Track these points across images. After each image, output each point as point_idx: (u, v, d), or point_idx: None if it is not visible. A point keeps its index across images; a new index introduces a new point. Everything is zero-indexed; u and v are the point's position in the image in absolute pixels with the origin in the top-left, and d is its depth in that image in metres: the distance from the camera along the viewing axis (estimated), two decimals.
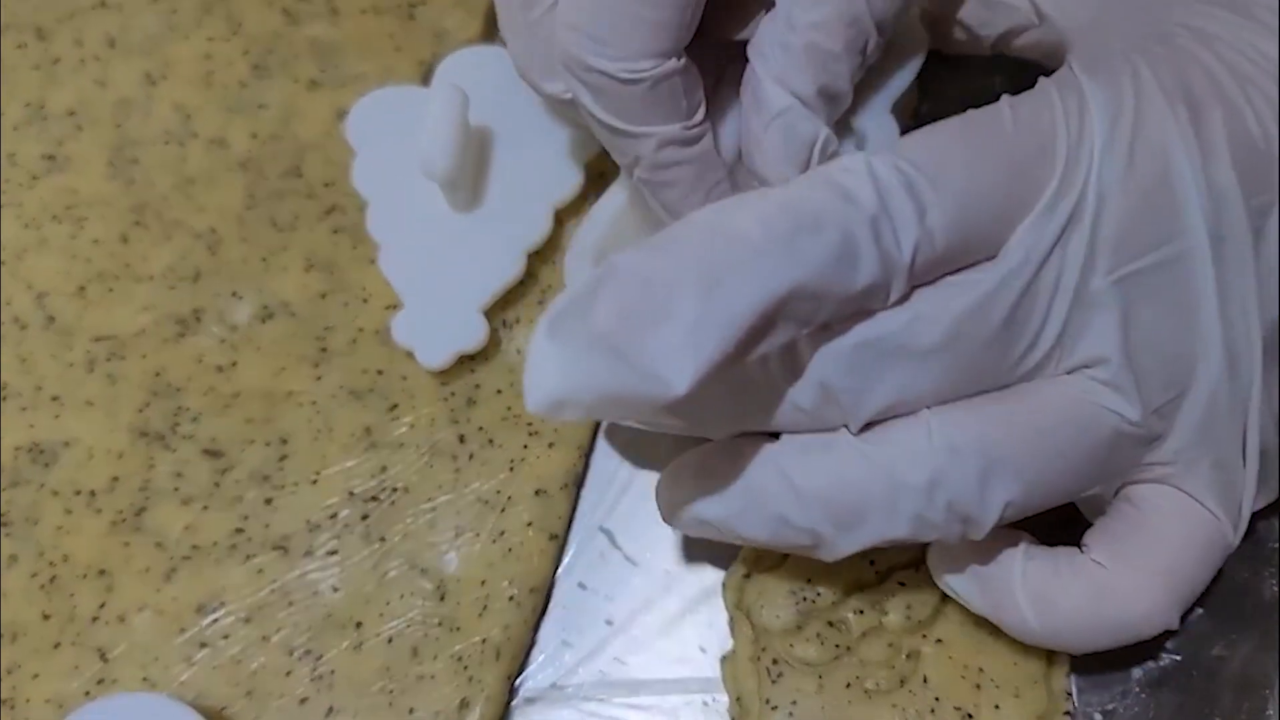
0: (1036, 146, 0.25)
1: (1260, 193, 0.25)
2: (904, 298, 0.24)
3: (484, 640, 0.30)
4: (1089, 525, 0.27)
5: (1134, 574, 0.26)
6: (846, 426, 0.25)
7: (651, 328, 0.22)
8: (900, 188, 0.24)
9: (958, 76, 0.34)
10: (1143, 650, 0.29)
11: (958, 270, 0.25)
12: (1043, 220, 0.24)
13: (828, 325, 0.24)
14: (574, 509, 0.32)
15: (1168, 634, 0.29)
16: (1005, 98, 0.26)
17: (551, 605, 0.31)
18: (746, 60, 0.28)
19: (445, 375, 0.33)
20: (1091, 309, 0.25)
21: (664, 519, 0.28)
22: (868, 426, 0.25)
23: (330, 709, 0.29)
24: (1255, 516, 0.30)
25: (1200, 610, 0.29)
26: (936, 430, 0.24)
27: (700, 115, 0.28)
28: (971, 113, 0.26)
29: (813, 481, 0.25)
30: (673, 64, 0.27)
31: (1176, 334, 0.25)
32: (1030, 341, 0.25)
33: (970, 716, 0.28)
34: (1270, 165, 0.25)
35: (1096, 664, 0.29)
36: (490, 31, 0.37)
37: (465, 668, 0.29)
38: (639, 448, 0.32)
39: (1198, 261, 0.25)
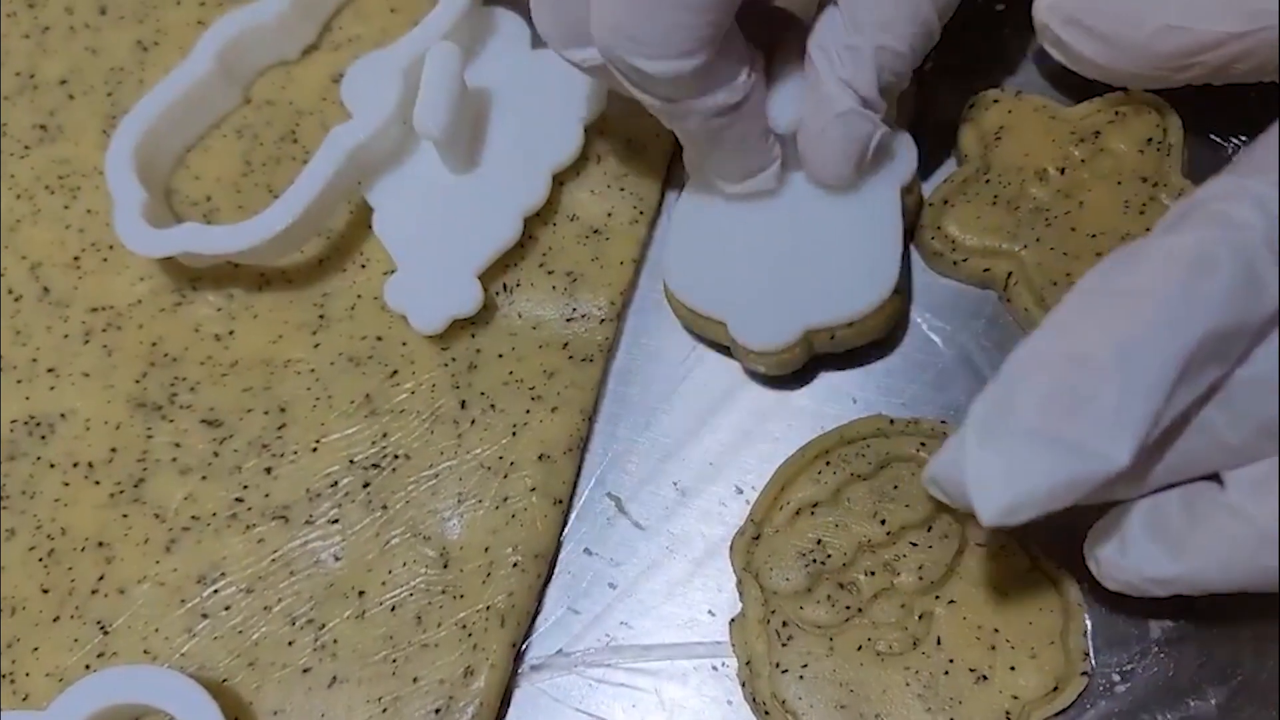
0: None
1: None
2: None
3: (488, 607, 0.29)
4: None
5: None
6: None
7: (1080, 408, 0.22)
8: None
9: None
10: (1160, 608, 0.28)
11: None
12: None
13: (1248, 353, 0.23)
14: (578, 473, 0.31)
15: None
16: None
17: (557, 571, 0.30)
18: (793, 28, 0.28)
19: (445, 341, 0.32)
20: None
21: (1104, 583, 0.26)
22: None
23: (334, 678, 0.29)
24: None
25: None
26: None
27: (744, 79, 0.28)
28: None
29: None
30: (712, 52, 0.26)
31: None
32: None
33: (985, 678, 0.27)
34: None
35: (1114, 623, 0.28)
36: None
37: (469, 635, 0.29)
38: (643, 411, 0.32)
39: None
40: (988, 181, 0.31)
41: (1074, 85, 0.31)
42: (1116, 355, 0.22)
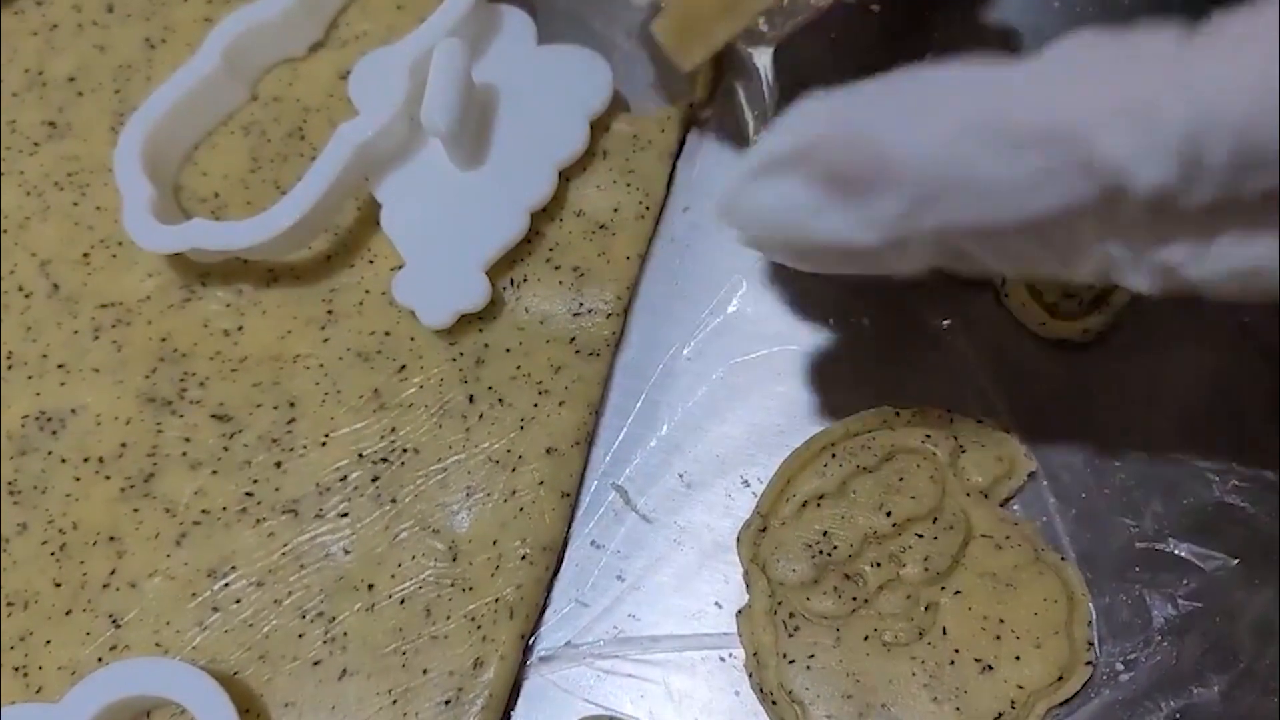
0: None
1: None
2: None
3: (497, 600, 0.29)
4: None
5: None
6: None
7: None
8: None
9: None
10: (1165, 597, 0.28)
11: None
12: None
13: None
14: (585, 466, 0.31)
15: (1191, 580, 0.28)
16: None
17: (565, 563, 0.30)
18: None
19: (453, 335, 0.32)
20: None
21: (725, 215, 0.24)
22: None
23: (344, 671, 0.29)
24: (1276, 460, 0.29)
25: (1223, 557, 0.29)
26: None
27: None
28: None
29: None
30: None
31: None
32: None
33: (990, 668, 0.28)
34: None
35: (1117, 612, 0.28)
36: None
37: (479, 627, 0.29)
38: (649, 405, 0.32)
39: None
40: None
41: None
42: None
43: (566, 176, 0.34)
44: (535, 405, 0.31)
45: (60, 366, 0.33)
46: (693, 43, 0.29)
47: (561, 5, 0.37)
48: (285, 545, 0.31)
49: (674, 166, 0.35)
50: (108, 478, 0.32)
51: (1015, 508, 0.30)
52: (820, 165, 0.22)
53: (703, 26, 0.28)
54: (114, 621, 0.30)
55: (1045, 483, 0.30)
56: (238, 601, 0.30)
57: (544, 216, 0.33)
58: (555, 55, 0.35)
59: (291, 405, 0.32)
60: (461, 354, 0.32)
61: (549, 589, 0.30)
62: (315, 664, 0.29)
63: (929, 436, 0.30)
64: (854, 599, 0.28)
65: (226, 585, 0.30)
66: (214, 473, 0.32)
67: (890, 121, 0.21)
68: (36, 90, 0.37)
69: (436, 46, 0.33)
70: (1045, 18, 0.36)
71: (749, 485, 0.31)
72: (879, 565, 0.29)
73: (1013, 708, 0.27)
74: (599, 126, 0.34)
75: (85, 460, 0.32)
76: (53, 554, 0.31)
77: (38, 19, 0.38)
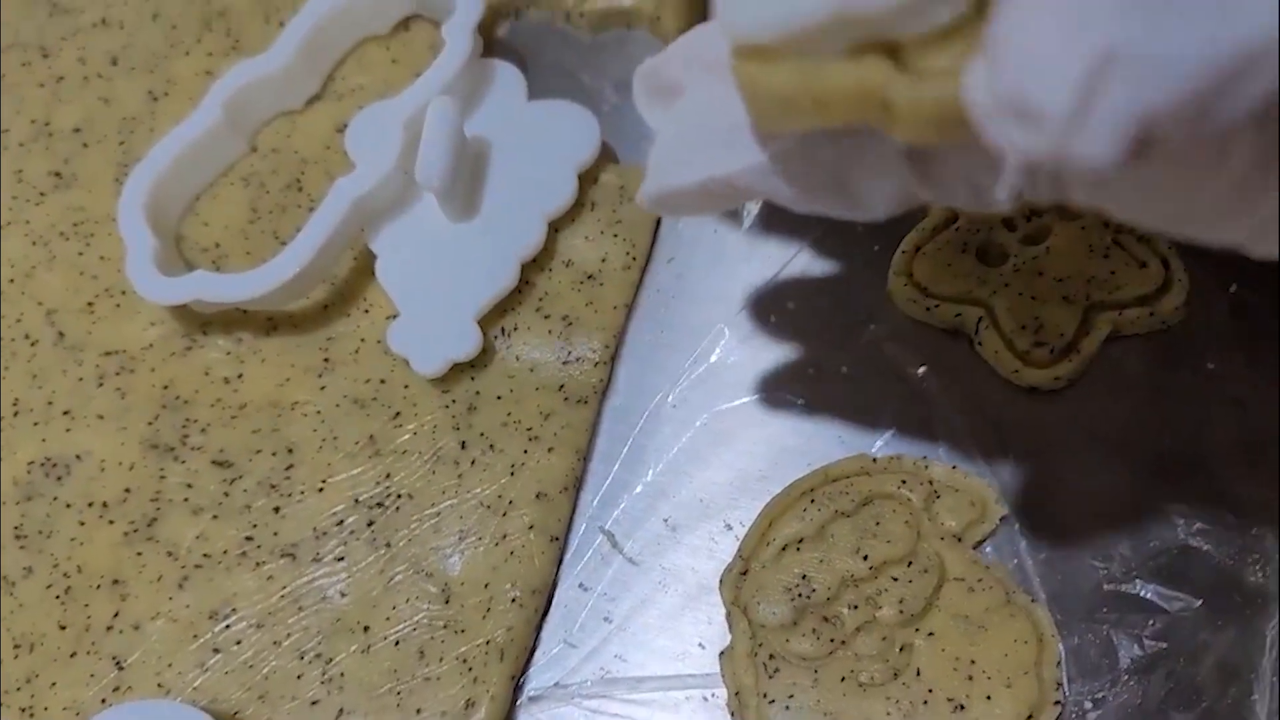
0: None
1: None
2: None
3: (488, 641, 0.30)
4: None
5: None
6: None
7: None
8: None
9: None
10: (1131, 638, 0.29)
11: None
12: None
13: None
14: (574, 511, 0.32)
15: (1157, 621, 0.29)
16: None
17: (553, 605, 0.32)
18: None
19: (446, 383, 0.33)
20: None
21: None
22: None
23: (340, 710, 0.30)
24: (1239, 505, 0.30)
25: (1187, 598, 0.30)
26: None
27: None
28: None
29: None
30: None
31: None
32: None
33: (962, 708, 0.29)
34: None
35: (1086, 653, 0.29)
36: (488, 47, 0.38)
37: (470, 669, 0.30)
38: (635, 450, 0.33)
39: None
40: (956, 229, 0.33)
41: None
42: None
43: (556, 227, 0.35)
44: (525, 451, 0.32)
45: (65, 413, 0.34)
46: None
47: (551, 60, 0.38)
48: (284, 588, 0.32)
49: (659, 218, 0.36)
50: (111, 522, 0.33)
51: (988, 550, 0.31)
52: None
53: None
54: (117, 663, 0.31)
55: (1016, 526, 0.31)
56: (238, 643, 0.31)
57: (534, 266, 0.34)
58: (545, 110, 0.36)
59: (290, 451, 0.33)
60: (454, 401, 0.33)
61: (538, 630, 0.31)
62: (313, 704, 0.30)
63: (904, 482, 0.31)
64: (831, 640, 0.29)
65: (227, 627, 0.31)
66: (215, 517, 0.33)
67: None
68: (43, 140, 0.39)
69: (430, 104, 0.34)
70: None
71: (731, 529, 0.32)
72: (856, 607, 0.30)
73: None
74: (587, 178, 0.35)
75: (90, 505, 0.33)
76: (57, 597, 0.32)
77: (44, 71, 0.40)
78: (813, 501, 0.31)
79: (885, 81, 0.19)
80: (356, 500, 0.32)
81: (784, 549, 0.31)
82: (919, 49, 0.18)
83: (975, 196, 0.21)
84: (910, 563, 0.30)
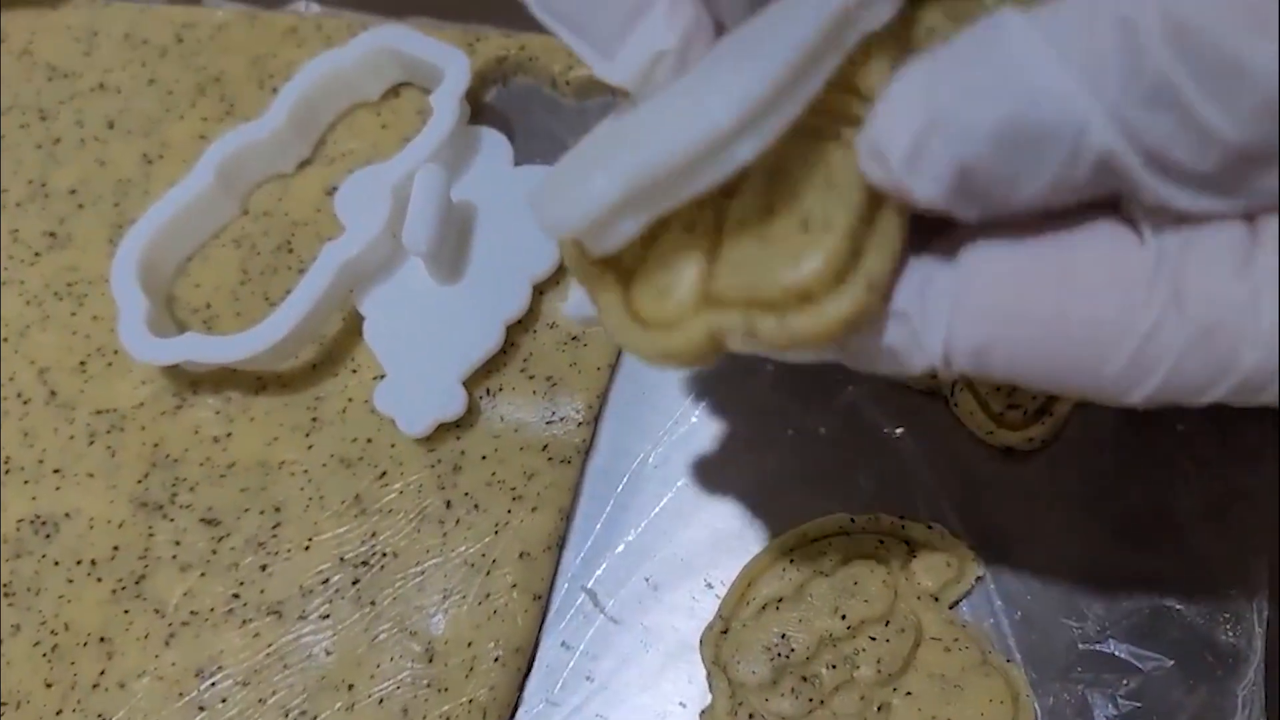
0: None
1: None
2: None
3: (471, 700, 0.31)
4: None
5: None
6: None
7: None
8: None
9: None
10: (1106, 697, 0.30)
11: None
12: None
13: None
14: (556, 570, 0.33)
15: (1131, 680, 0.30)
16: None
17: (536, 664, 0.32)
18: None
19: (432, 443, 0.34)
20: None
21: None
22: None
23: None
24: (1210, 564, 0.31)
25: (1159, 658, 0.30)
26: None
27: None
28: None
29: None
30: None
31: None
32: None
33: None
34: None
35: (1061, 713, 0.30)
36: (475, 112, 0.38)
37: None
38: (618, 509, 0.34)
39: None
40: None
41: None
42: None
43: (540, 290, 0.36)
44: (509, 511, 0.33)
45: (56, 471, 0.35)
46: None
47: (537, 125, 0.39)
48: (270, 645, 0.32)
49: None
50: (99, 580, 0.33)
51: (964, 610, 0.31)
52: None
53: None
54: None
55: (992, 586, 0.32)
56: (224, 701, 0.31)
57: (519, 328, 0.35)
58: (530, 175, 0.37)
59: (277, 510, 0.34)
60: (439, 461, 0.34)
61: (521, 689, 0.32)
62: None
63: (882, 543, 0.32)
64: (810, 700, 0.30)
65: (213, 685, 0.32)
66: (202, 575, 0.33)
67: None
68: (39, 201, 0.39)
69: (418, 170, 0.35)
70: None
71: (712, 587, 0.32)
72: (834, 667, 0.30)
73: None
74: None
75: (78, 563, 0.33)
76: (45, 655, 0.32)
77: (42, 133, 0.40)
78: (792, 561, 0.31)
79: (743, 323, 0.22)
80: (342, 559, 0.33)
81: (764, 608, 0.31)
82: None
83: (893, 362, 0.23)
84: (888, 622, 0.30)
